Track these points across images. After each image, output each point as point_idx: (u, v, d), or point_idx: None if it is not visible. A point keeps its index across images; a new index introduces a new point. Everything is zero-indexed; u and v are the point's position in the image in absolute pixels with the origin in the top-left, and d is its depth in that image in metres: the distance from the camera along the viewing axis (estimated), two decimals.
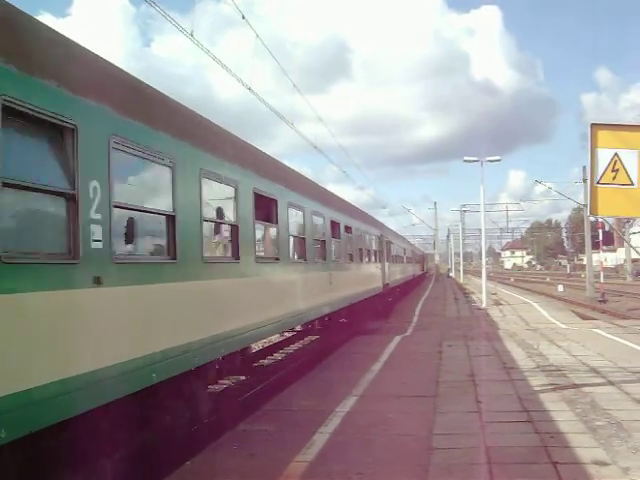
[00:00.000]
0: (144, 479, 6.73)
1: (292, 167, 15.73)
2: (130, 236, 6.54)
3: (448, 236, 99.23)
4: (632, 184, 8.97)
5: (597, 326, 20.48)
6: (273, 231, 11.79)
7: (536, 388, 10.39)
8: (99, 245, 5.64)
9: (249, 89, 16.77)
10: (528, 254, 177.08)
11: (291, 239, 12.91)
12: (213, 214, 8.92)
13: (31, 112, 4.88)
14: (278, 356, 17.89)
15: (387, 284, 28.45)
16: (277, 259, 11.75)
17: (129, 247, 6.61)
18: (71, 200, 5.29)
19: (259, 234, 11.03)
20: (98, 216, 5.63)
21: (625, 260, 78.79)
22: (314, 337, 20.54)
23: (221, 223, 9.29)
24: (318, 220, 15.40)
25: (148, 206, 6.98)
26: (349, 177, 57.49)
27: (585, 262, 49.36)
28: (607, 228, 38.67)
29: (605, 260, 53.87)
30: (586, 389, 10.10)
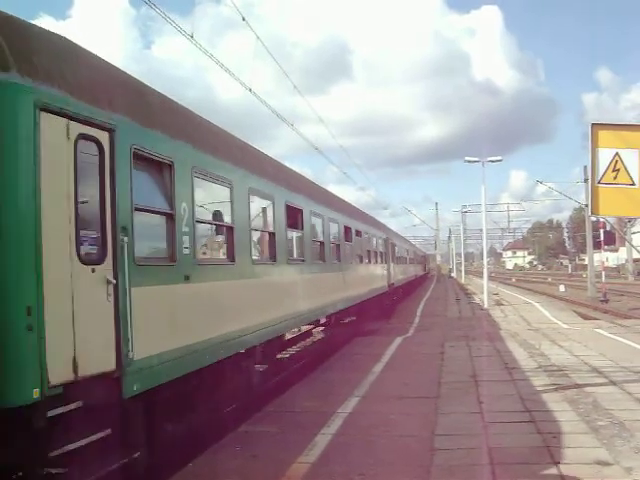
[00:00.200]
0: None
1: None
2: (206, 244, 8.76)
3: (449, 237, 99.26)
4: (633, 184, 8.96)
5: (599, 326, 20.47)
6: (299, 236, 13.60)
7: (538, 388, 10.39)
8: (187, 252, 7.58)
9: (250, 90, 16.77)
10: (529, 254, 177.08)
11: (313, 243, 14.69)
12: (258, 224, 10.90)
13: (147, 154, 6.74)
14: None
15: (392, 284, 29.64)
16: (303, 261, 13.57)
17: (207, 253, 8.80)
18: (170, 218, 7.24)
19: (290, 240, 12.89)
20: (187, 229, 7.57)
21: (627, 260, 78.68)
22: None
23: (263, 231, 11.30)
24: (334, 226, 17.10)
25: (216, 220, 9.10)
26: (350, 178, 57.50)
27: (587, 262, 49.33)
28: (608, 228, 38.67)
29: (607, 260, 53.80)
30: (588, 389, 10.09)
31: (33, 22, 5.68)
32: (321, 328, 18.33)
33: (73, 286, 5.42)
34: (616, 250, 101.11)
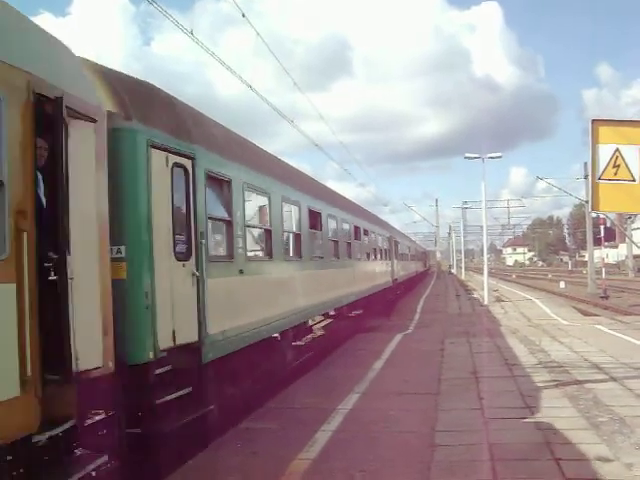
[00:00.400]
0: (146, 477, 6.73)
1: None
2: (253, 244, 10.83)
3: (449, 233, 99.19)
4: (634, 180, 8.94)
5: (599, 322, 20.48)
6: (319, 236, 15.47)
7: (538, 384, 10.40)
8: (241, 251, 9.57)
9: (250, 87, 16.75)
10: (530, 251, 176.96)
11: (329, 242, 16.60)
12: (288, 226, 12.77)
13: (214, 175, 8.70)
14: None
15: (396, 279, 31.87)
16: (321, 257, 15.41)
17: (253, 251, 10.78)
18: (229, 224, 9.24)
19: (311, 239, 14.53)
20: (240, 233, 9.55)
21: (627, 256, 78.69)
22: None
23: (291, 233, 13.00)
24: (345, 226, 19.03)
25: (259, 224, 11.30)
26: (350, 174, 57.62)
27: (587, 258, 49.33)
28: (609, 224, 38.66)
29: (607, 256, 53.82)
30: (588, 385, 10.10)
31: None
32: (329, 320, 19.05)
33: (172, 277, 7.29)
34: (616, 246, 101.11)
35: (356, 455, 6.99)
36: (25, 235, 4.64)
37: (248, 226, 10.09)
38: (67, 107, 5.14)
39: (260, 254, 11.19)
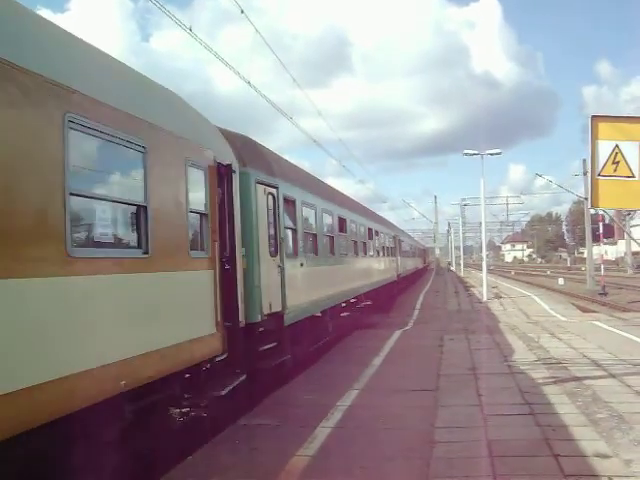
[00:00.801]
0: (145, 475, 6.73)
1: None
2: (306, 244, 14.12)
3: (448, 230, 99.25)
4: (633, 176, 8.94)
5: (598, 319, 20.50)
6: (345, 237, 18.97)
7: (537, 381, 10.40)
8: (301, 250, 13.29)
9: (248, 83, 16.73)
10: (529, 247, 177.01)
11: (351, 242, 20.12)
12: (327, 231, 16.52)
13: (287, 197, 12.28)
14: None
15: (399, 274, 35.29)
16: (346, 254, 18.96)
17: (308, 250, 14.18)
18: (294, 231, 12.93)
19: (340, 240, 18.13)
20: (300, 236, 13.27)
21: (625, 253, 78.74)
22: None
23: (327, 235, 16.55)
24: (362, 228, 22.51)
25: (310, 230, 14.69)
26: (349, 171, 57.63)
27: (585, 255, 49.36)
28: (607, 221, 38.65)
29: (605, 253, 53.81)
30: (587, 382, 10.10)
31: None
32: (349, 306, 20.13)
33: (268, 268, 10.83)
34: (615, 243, 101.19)
35: (355, 451, 7.00)
36: (216, 244, 8.48)
37: (305, 232, 13.95)
38: (225, 167, 8.98)
39: (311, 252, 14.51)
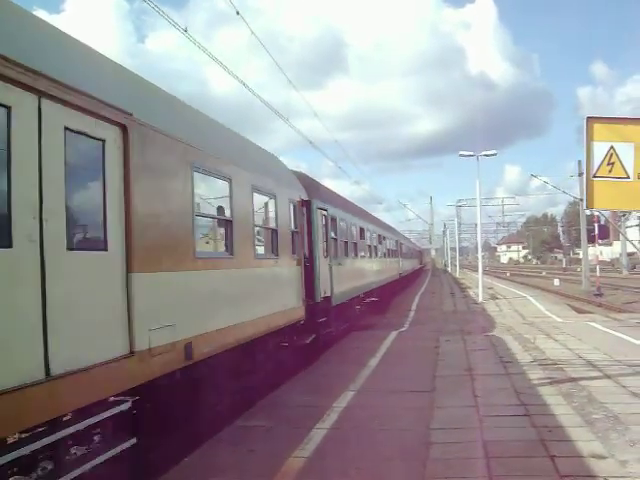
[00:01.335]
0: (143, 476, 6.72)
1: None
2: (341, 249, 18.55)
3: (444, 231, 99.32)
4: (628, 177, 8.97)
5: (593, 319, 20.54)
6: (362, 243, 23.62)
7: (533, 382, 10.42)
8: (340, 253, 18.26)
9: (244, 85, 16.74)
10: (524, 248, 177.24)
11: (367, 246, 24.92)
12: (356, 239, 22.00)
13: (332, 216, 17.19)
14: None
15: (401, 273, 40.79)
16: (363, 256, 23.69)
17: (343, 252, 18.83)
18: (334, 240, 17.53)
19: (361, 245, 23.37)
20: (339, 243, 18.33)
21: (621, 254, 78.88)
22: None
23: (353, 242, 21.32)
24: (374, 235, 27.46)
25: (342, 237, 18.85)
26: (345, 172, 57.86)
27: (581, 256, 49.45)
28: (603, 222, 38.74)
29: (601, 254, 53.90)
30: (583, 382, 10.12)
31: None
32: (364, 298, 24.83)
33: (323, 266, 15.31)
34: (610, 244, 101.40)
35: (351, 453, 7.00)
36: (302, 251, 13.82)
37: (341, 240, 18.57)
38: (304, 201, 14.30)
39: (344, 254, 19.06)
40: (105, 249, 5.99)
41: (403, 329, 19.54)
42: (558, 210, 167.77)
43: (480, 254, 37.08)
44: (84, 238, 5.92)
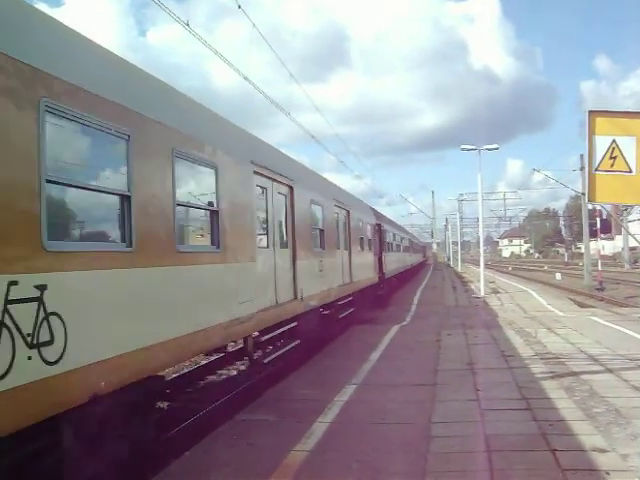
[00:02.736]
0: (144, 470, 6.73)
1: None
2: (386, 247, 30.83)
3: (446, 225, 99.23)
4: (630, 171, 8.94)
5: (595, 314, 20.53)
6: (395, 242, 35.16)
7: (535, 376, 10.42)
8: (387, 249, 30.36)
9: (245, 79, 16.71)
10: (526, 242, 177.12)
11: (396, 245, 35.99)
12: (375, 237, 26.62)
13: (383, 228, 29.25)
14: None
15: (412, 264, 54.67)
16: (399, 251, 38.41)
17: (389, 249, 32.19)
18: (382, 241, 28.29)
19: (384, 242, 28.94)
20: (386, 244, 29.93)
21: (623, 248, 78.77)
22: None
23: (391, 242, 32.96)
24: (390, 234, 32.91)
25: (389, 240, 32.29)
26: (347, 167, 57.97)
27: (583, 250, 49.38)
28: (605, 216, 38.66)
29: (603, 248, 53.76)
30: (584, 377, 10.12)
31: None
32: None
33: (388, 257, 29.80)
34: (612, 238, 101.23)
35: (353, 446, 7.00)
36: (377, 248, 26.59)
37: (387, 241, 29.39)
38: (377, 223, 26.78)
39: (390, 250, 29.70)
40: (286, 247, 12.00)
41: (405, 323, 19.54)
42: (560, 204, 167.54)
43: (482, 248, 37.00)
44: (282, 242, 11.88)
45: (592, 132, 9.16)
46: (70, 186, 5.44)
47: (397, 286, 35.89)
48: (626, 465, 6.03)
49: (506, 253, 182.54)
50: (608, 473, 5.82)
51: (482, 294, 31.07)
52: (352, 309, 18.62)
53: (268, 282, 10.60)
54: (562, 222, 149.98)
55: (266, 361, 10.58)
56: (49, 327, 4.81)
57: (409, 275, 49.95)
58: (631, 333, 14.94)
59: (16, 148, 4.68)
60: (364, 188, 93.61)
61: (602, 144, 9.12)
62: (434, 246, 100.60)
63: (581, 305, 26.76)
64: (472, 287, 38.33)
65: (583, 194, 35.00)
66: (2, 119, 4.54)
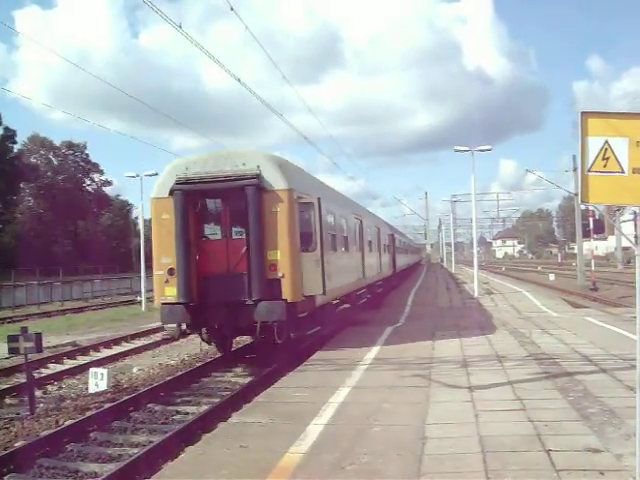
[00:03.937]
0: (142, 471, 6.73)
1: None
2: (396, 250, 41.89)
3: (439, 226, 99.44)
4: (623, 172, 8.90)
5: (588, 314, 20.59)
6: (401, 246, 48.31)
7: (529, 376, 10.42)
8: (397, 252, 41.82)
9: (238, 81, 16.71)
10: (519, 243, 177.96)
11: (401, 248, 46.88)
12: (389, 245, 36.30)
13: (395, 237, 42.13)
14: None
15: (409, 263, 59.90)
16: (405, 253, 52.56)
17: (398, 252, 44.80)
18: (395, 247, 39.81)
19: (399, 245, 44.94)
20: (396, 248, 41.29)
21: (616, 248, 79.14)
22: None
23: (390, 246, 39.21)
24: (403, 242, 50.20)
25: (399, 246, 45.90)
26: (340, 168, 58.34)
27: (576, 250, 49.58)
28: (598, 216, 38.84)
29: (596, 248, 54.02)
30: (579, 377, 10.14)
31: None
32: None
33: (401, 258, 44.73)
34: (605, 239, 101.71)
35: (347, 448, 6.98)
36: (391, 251, 36.37)
37: (397, 246, 41.19)
38: (391, 234, 37.03)
39: (399, 252, 41.21)
40: (337, 250, 17.75)
41: (398, 324, 19.51)
42: (553, 205, 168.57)
43: (475, 249, 37.10)
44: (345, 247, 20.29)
45: (585, 133, 9.11)
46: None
47: (404, 276, 49.01)
48: (620, 465, 6.04)
49: (500, 254, 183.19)
50: (602, 473, 5.83)
51: (476, 295, 31.13)
52: (381, 289, 30.02)
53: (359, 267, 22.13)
54: (555, 223, 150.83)
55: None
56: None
57: (407, 273, 57.41)
58: (625, 333, 14.96)
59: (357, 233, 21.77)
60: (358, 190, 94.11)
61: (595, 145, 9.06)
62: (428, 247, 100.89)
63: (575, 305, 26.86)
64: (466, 288, 38.38)
65: (576, 195, 35.16)
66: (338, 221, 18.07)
